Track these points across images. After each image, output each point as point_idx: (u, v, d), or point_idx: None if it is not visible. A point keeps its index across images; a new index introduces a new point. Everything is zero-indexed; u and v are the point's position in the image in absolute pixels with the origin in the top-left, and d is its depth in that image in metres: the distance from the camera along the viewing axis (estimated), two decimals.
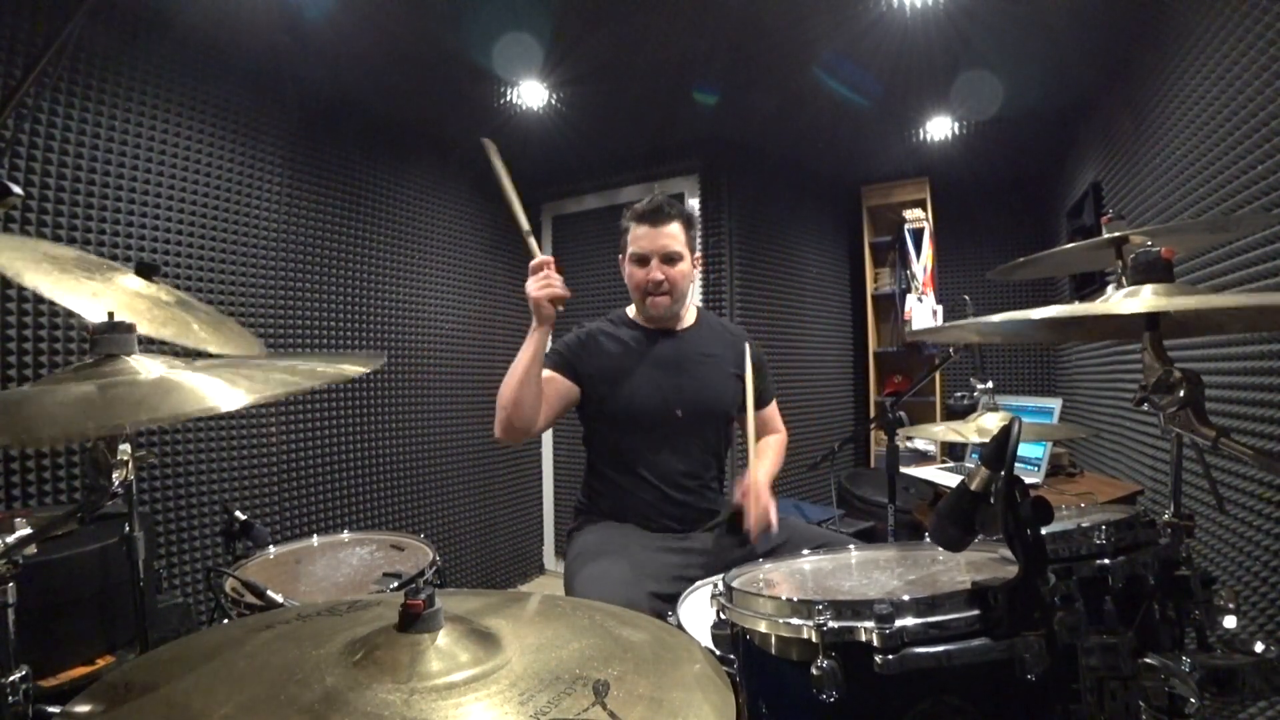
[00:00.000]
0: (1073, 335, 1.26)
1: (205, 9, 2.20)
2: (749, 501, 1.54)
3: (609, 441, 1.74)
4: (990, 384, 1.76)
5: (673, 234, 1.70)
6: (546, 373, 1.64)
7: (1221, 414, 1.76)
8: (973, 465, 0.80)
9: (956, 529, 0.79)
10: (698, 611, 1.22)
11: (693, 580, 1.39)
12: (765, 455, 1.82)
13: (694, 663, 0.71)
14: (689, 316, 1.84)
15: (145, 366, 0.76)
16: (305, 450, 2.71)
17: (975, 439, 1.64)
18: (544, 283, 1.50)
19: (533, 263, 1.52)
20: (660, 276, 1.68)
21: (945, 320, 3.82)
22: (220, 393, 0.67)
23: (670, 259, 1.69)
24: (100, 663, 1.45)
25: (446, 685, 0.61)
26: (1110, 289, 0.99)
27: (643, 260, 1.70)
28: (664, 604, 1.30)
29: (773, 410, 1.93)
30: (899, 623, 0.76)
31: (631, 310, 1.83)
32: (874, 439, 4.15)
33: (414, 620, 0.66)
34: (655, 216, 1.69)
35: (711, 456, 1.78)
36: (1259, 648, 0.77)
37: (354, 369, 0.82)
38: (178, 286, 1.49)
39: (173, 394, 0.68)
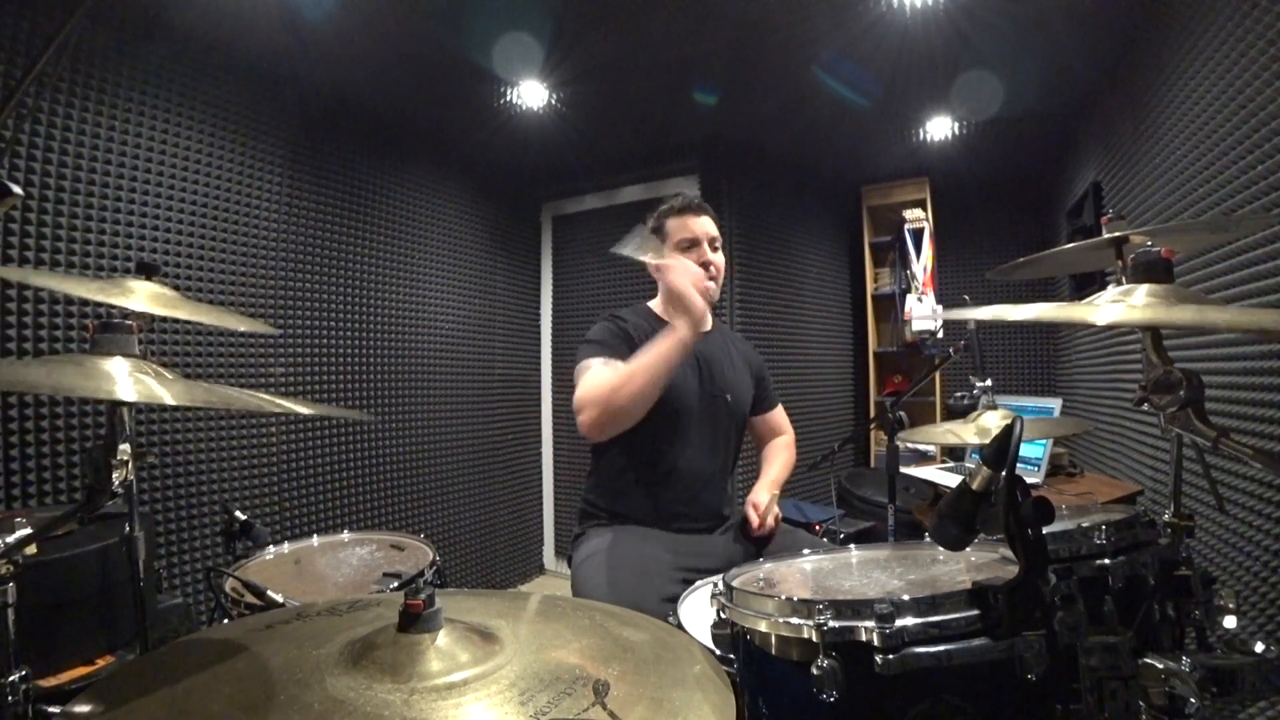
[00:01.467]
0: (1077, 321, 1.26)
1: (205, 9, 2.20)
2: (750, 511, 1.66)
3: (642, 434, 1.65)
4: (989, 382, 1.76)
5: (712, 224, 1.76)
6: (622, 364, 1.58)
7: (1222, 414, 1.76)
8: (973, 465, 0.80)
9: (957, 528, 0.79)
10: (698, 611, 1.22)
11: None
12: (773, 459, 1.91)
13: (694, 663, 0.71)
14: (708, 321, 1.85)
15: (124, 367, 0.75)
16: (305, 450, 2.71)
17: (975, 439, 1.64)
18: (696, 272, 1.44)
19: (669, 260, 1.46)
20: (710, 259, 1.72)
21: (945, 322, 3.82)
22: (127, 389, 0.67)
23: (714, 245, 1.75)
24: (100, 663, 1.45)
25: (446, 685, 0.61)
26: (1110, 289, 0.99)
27: (694, 243, 1.72)
28: (672, 605, 1.30)
29: (779, 413, 1.99)
30: (899, 622, 0.76)
31: (656, 306, 1.82)
32: (874, 439, 4.15)
33: (414, 620, 0.66)
34: (700, 208, 1.76)
35: (731, 457, 1.82)
36: (1259, 648, 0.77)
37: (302, 409, 0.83)
38: (177, 287, 1.49)
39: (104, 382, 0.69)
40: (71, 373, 0.70)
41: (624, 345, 1.63)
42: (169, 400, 0.68)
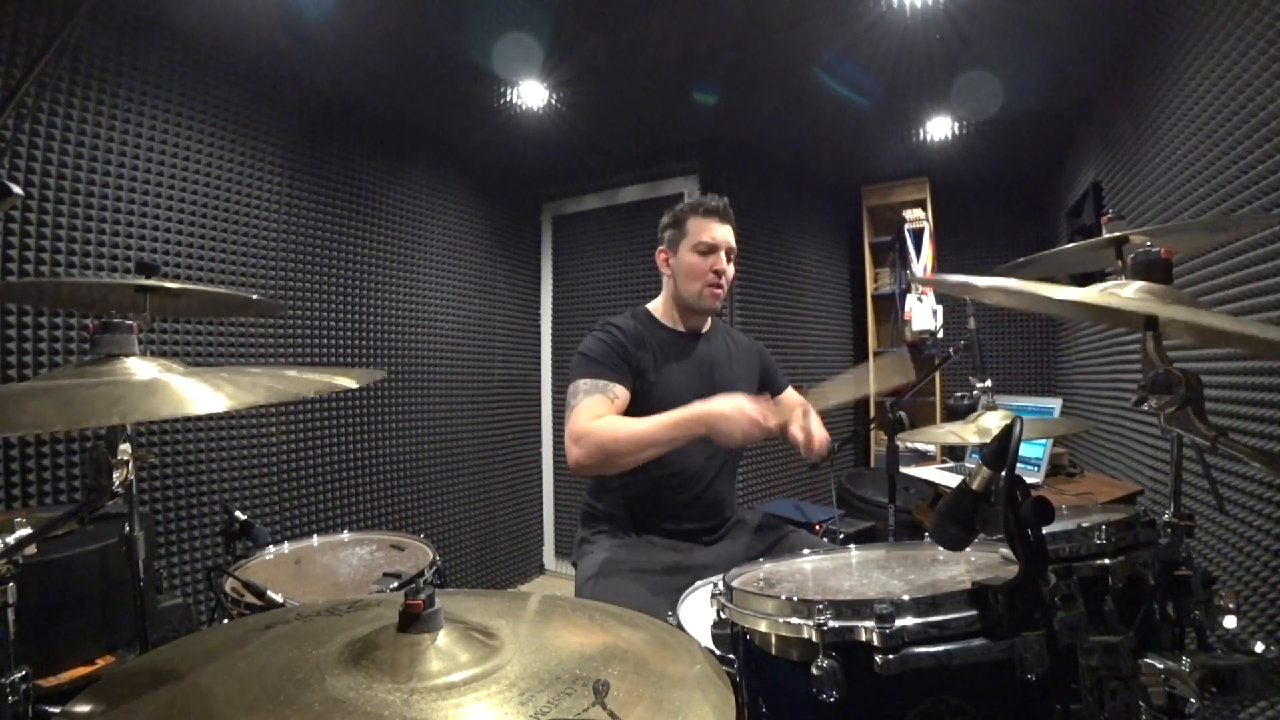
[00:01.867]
0: (1078, 312, 1.25)
1: (205, 9, 2.20)
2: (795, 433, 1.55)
3: None
4: (989, 382, 1.76)
5: (732, 235, 1.77)
6: (619, 389, 1.60)
7: (1221, 414, 1.76)
8: (973, 465, 0.80)
9: (957, 528, 0.79)
10: (698, 611, 1.22)
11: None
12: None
13: (694, 663, 0.71)
14: (708, 321, 1.85)
15: (141, 368, 0.76)
16: (305, 450, 2.71)
17: (975, 439, 1.64)
18: (765, 423, 1.40)
19: (728, 409, 1.41)
20: (724, 268, 1.72)
21: (945, 321, 3.82)
22: (202, 397, 0.65)
23: (729, 256, 1.75)
24: (100, 663, 1.45)
25: (446, 685, 0.61)
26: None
27: (712, 249, 1.72)
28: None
29: (791, 394, 1.94)
30: (899, 622, 0.76)
31: (657, 310, 1.81)
32: (874, 439, 4.15)
33: (414, 620, 0.66)
34: (725, 215, 1.75)
35: (733, 457, 1.80)
36: (1259, 648, 0.77)
37: (345, 381, 0.80)
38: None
39: (155, 396, 0.66)
40: (89, 395, 0.68)
41: (619, 360, 1.62)
42: (223, 406, 0.64)
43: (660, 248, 1.80)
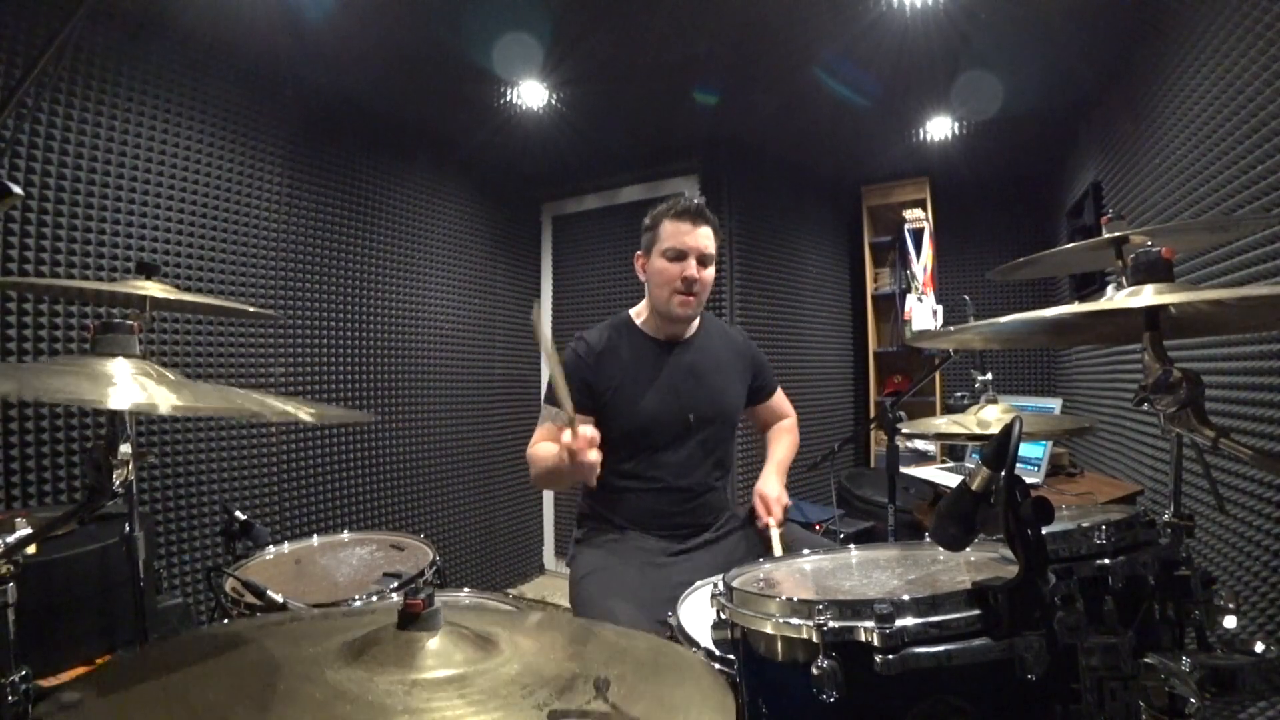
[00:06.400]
0: (1075, 339, 1.26)
1: (205, 9, 2.20)
2: (761, 509, 1.65)
3: (619, 450, 1.68)
4: (990, 375, 1.75)
5: (709, 236, 1.68)
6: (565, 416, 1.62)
7: (1221, 414, 1.76)
8: (973, 465, 0.80)
9: (957, 528, 0.79)
10: (698, 611, 1.22)
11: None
12: (776, 443, 1.91)
13: (693, 667, 0.71)
14: (695, 322, 1.81)
15: (127, 369, 0.75)
16: (305, 450, 2.71)
17: (976, 429, 1.63)
18: (581, 463, 1.33)
19: (571, 444, 1.32)
20: (695, 275, 1.64)
21: (945, 321, 3.82)
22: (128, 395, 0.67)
23: (704, 261, 1.67)
24: (100, 663, 1.45)
25: (448, 679, 0.61)
26: (1110, 289, 0.99)
27: (680, 255, 1.64)
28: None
29: (779, 399, 1.96)
30: (899, 622, 0.76)
31: (638, 317, 1.78)
32: (874, 439, 4.15)
33: (413, 620, 0.66)
34: (697, 217, 1.66)
35: (718, 460, 1.78)
36: (1259, 648, 0.77)
37: (305, 415, 0.78)
38: (178, 286, 1.49)
39: (106, 389, 0.67)
40: (71, 379, 0.69)
41: (579, 388, 1.62)
42: (162, 409, 0.67)
43: (638, 252, 1.75)
